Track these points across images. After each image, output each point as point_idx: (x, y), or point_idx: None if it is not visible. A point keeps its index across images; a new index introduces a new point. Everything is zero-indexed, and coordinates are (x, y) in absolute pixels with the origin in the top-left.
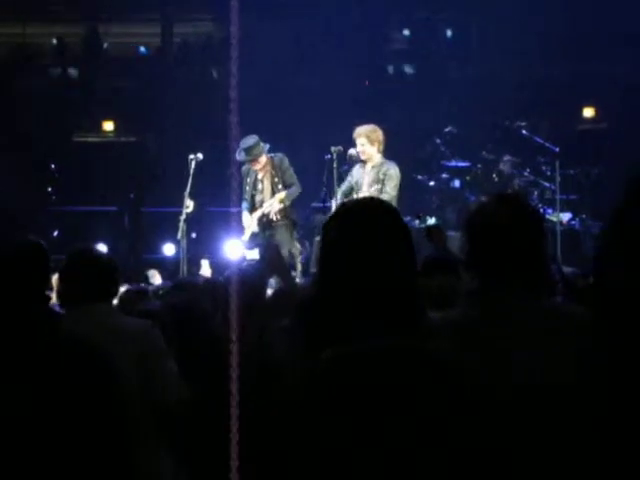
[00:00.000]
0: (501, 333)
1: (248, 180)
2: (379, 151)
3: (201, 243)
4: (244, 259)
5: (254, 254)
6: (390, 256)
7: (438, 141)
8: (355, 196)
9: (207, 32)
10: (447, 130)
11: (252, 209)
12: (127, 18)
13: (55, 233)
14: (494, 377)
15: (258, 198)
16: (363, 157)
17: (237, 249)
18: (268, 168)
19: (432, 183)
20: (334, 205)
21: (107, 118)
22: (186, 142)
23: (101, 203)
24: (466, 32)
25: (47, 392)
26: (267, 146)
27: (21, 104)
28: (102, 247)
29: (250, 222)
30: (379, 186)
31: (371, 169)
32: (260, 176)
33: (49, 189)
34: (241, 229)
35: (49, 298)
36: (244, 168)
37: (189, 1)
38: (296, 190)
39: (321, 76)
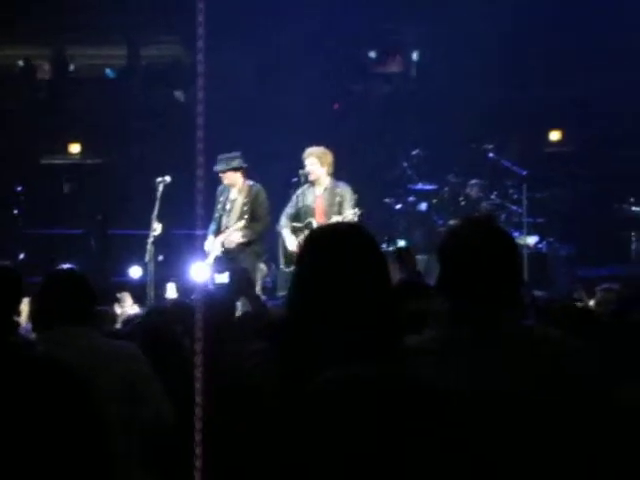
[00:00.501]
0: (477, 356)
1: (221, 199)
2: (328, 173)
3: (168, 266)
4: (211, 282)
5: (223, 277)
6: (364, 280)
7: (405, 164)
8: (310, 220)
9: (173, 54)
10: (414, 153)
11: (218, 231)
12: (94, 40)
13: (21, 256)
14: (475, 400)
15: (224, 220)
16: (311, 177)
17: (204, 272)
18: (243, 193)
19: (399, 206)
20: (281, 227)
21: (74, 140)
22: (153, 164)
23: (68, 226)
24: (434, 55)
25: (23, 421)
26: (238, 165)
27: None
28: (136, 270)
29: (213, 246)
30: (336, 209)
31: (323, 192)
32: (232, 197)
33: (15, 211)
34: (204, 252)
35: (17, 324)
36: (219, 189)
37: (155, 24)
38: (260, 226)
39: (288, 97)
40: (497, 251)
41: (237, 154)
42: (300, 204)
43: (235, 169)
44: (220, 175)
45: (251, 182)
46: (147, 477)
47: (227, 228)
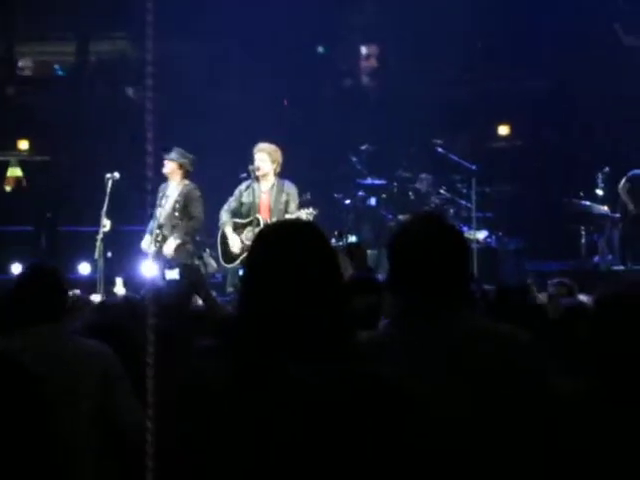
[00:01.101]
0: (426, 351)
1: (160, 195)
2: (275, 172)
3: (117, 262)
4: (161, 278)
5: (173, 274)
6: (315, 276)
7: (354, 159)
8: (254, 216)
9: (122, 50)
10: (363, 148)
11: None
12: (43, 36)
13: None
14: (426, 397)
15: (158, 212)
16: (259, 173)
17: (153, 268)
18: (177, 190)
19: (348, 201)
20: (222, 222)
21: (22, 137)
22: (101, 161)
23: (17, 222)
24: (382, 50)
25: None
26: (178, 158)
27: None
28: (85, 267)
29: (147, 244)
30: (282, 207)
31: (270, 189)
32: (168, 192)
33: None
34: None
35: None
36: (161, 186)
37: (105, 19)
38: (193, 224)
39: (238, 94)
40: (446, 246)
41: (191, 156)
42: (244, 199)
43: (180, 165)
44: (164, 161)
45: (187, 181)
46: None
47: (160, 226)
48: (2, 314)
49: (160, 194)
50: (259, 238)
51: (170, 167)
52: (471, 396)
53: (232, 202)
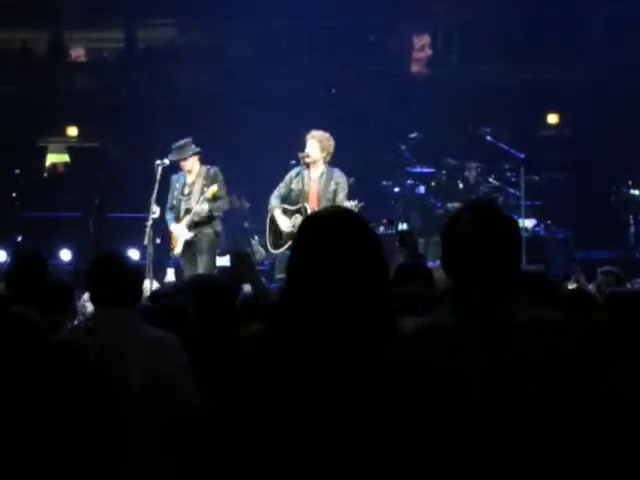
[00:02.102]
0: (481, 339)
1: (177, 186)
2: (325, 160)
3: (165, 249)
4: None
5: (224, 260)
6: (358, 264)
7: (403, 147)
8: (302, 204)
9: (171, 37)
10: (412, 136)
11: (178, 218)
12: (91, 23)
13: (19, 239)
14: (482, 385)
15: (184, 206)
16: (308, 160)
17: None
18: (201, 176)
19: (397, 189)
20: (271, 207)
21: (71, 123)
22: (150, 148)
23: (65, 209)
24: (432, 37)
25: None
26: (197, 149)
27: None
28: (133, 253)
29: (181, 231)
30: (330, 196)
31: (319, 178)
32: (189, 181)
33: (13, 194)
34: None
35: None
36: (173, 177)
37: (153, 7)
38: (223, 203)
39: (288, 81)
40: (501, 235)
41: (189, 140)
42: (293, 186)
43: (194, 154)
44: (181, 163)
45: (205, 165)
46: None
47: (188, 211)
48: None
49: (178, 184)
50: (303, 226)
51: (190, 163)
52: (527, 385)
53: (282, 188)
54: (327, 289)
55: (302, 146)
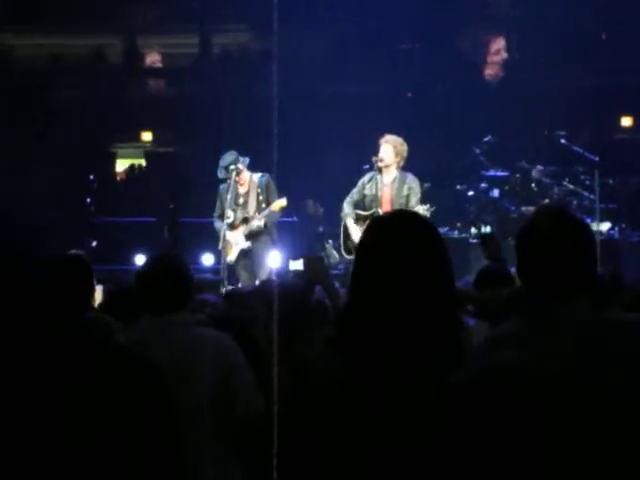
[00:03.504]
0: (558, 347)
1: (228, 197)
2: (398, 165)
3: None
4: (286, 269)
5: (297, 265)
6: (426, 270)
7: (477, 151)
8: (375, 209)
9: (244, 42)
10: (486, 140)
11: (232, 226)
12: (166, 29)
13: (94, 244)
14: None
15: (240, 215)
16: (381, 164)
17: (278, 259)
18: (253, 185)
19: (471, 193)
20: (344, 213)
21: (146, 128)
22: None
23: (139, 214)
24: (507, 42)
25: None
26: (247, 160)
27: (59, 115)
28: (208, 258)
29: (237, 239)
30: (403, 201)
31: (392, 183)
32: (242, 191)
33: (88, 200)
34: (219, 246)
35: (93, 308)
36: (222, 187)
37: (227, 12)
38: (278, 213)
39: (362, 85)
40: (577, 241)
41: (234, 156)
42: (367, 191)
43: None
44: (237, 177)
45: (257, 173)
46: (236, 469)
47: (246, 220)
48: (124, 303)
49: (229, 195)
50: (369, 230)
51: (244, 176)
52: (628, 386)
53: (355, 194)
54: (391, 293)
55: (376, 150)
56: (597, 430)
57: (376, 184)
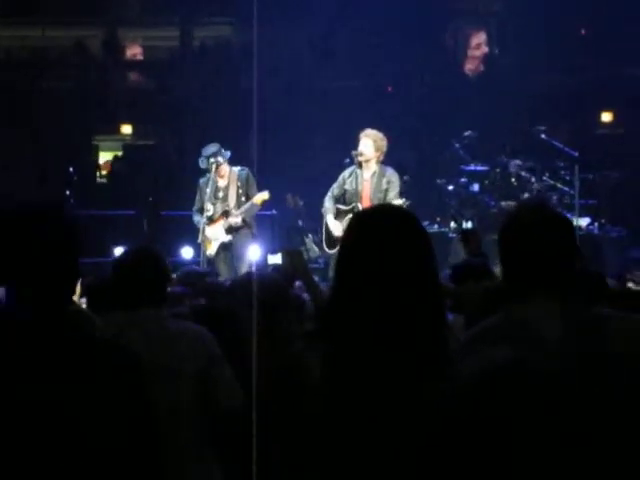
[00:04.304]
0: (541, 341)
1: (207, 191)
2: (378, 160)
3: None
4: (264, 263)
5: (276, 259)
6: (408, 264)
7: (457, 145)
8: (355, 203)
9: (226, 36)
10: (466, 134)
11: (212, 219)
12: (146, 21)
13: None
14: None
15: (220, 208)
16: (361, 158)
17: (257, 253)
18: (233, 178)
19: (451, 187)
20: (325, 209)
21: (125, 121)
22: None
23: (119, 207)
24: (488, 36)
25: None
26: (228, 153)
27: (40, 107)
28: (188, 251)
29: (216, 233)
30: (382, 195)
31: (371, 177)
32: (222, 184)
33: (67, 192)
34: (198, 240)
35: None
36: (202, 180)
37: (209, 5)
38: (256, 207)
39: (342, 79)
40: (559, 236)
41: (216, 147)
42: (347, 186)
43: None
44: (218, 168)
45: (237, 167)
46: (213, 462)
47: (226, 213)
48: (103, 296)
49: (208, 189)
50: (351, 224)
51: (224, 169)
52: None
53: (335, 189)
54: (376, 288)
55: (356, 144)
56: (596, 426)
57: (356, 178)
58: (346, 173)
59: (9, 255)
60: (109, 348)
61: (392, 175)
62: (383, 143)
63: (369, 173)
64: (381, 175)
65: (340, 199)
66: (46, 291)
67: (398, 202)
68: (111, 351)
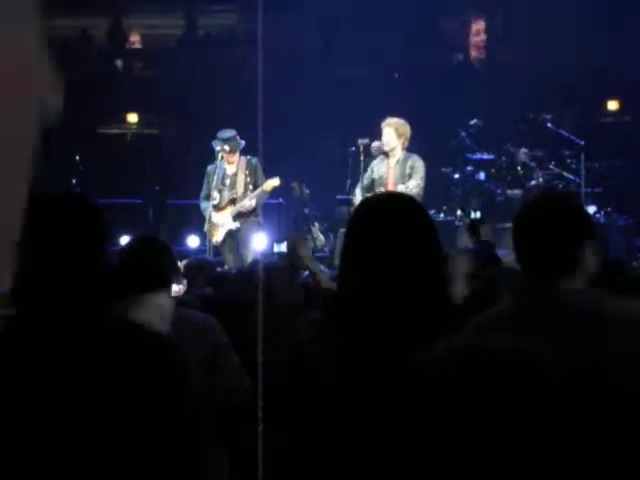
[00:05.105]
0: (553, 328)
1: (215, 178)
2: (403, 147)
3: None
4: (271, 252)
5: (282, 247)
6: (413, 251)
7: (463, 134)
8: (379, 191)
9: (231, 24)
10: (472, 123)
11: (219, 207)
12: (151, 10)
13: None
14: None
15: (227, 194)
16: (386, 148)
17: (263, 242)
18: (242, 166)
19: (457, 176)
20: (356, 199)
21: (132, 110)
22: (211, 134)
23: (125, 195)
24: (492, 24)
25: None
26: (242, 143)
27: None
28: (194, 240)
29: (223, 220)
30: (406, 180)
31: (396, 164)
32: (230, 172)
33: (74, 181)
34: (204, 228)
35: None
36: (209, 168)
37: None
38: (265, 194)
39: (346, 67)
40: (574, 224)
41: (233, 132)
42: (375, 175)
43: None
44: (228, 154)
45: (248, 156)
46: (219, 449)
47: (233, 201)
48: (108, 284)
49: (216, 176)
50: (355, 213)
51: (234, 156)
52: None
53: (365, 179)
54: (381, 275)
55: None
56: (597, 417)
57: (382, 167)
58: (373, 163)
59: (40, 240)
60: (150, 334)
61: (416, 161)
62: (405, 129)
63: (394, 161)
64: (405, 161)
65: (370, 189)
66: (77, 278)
67: (412, 187)
68: (153, 337)
